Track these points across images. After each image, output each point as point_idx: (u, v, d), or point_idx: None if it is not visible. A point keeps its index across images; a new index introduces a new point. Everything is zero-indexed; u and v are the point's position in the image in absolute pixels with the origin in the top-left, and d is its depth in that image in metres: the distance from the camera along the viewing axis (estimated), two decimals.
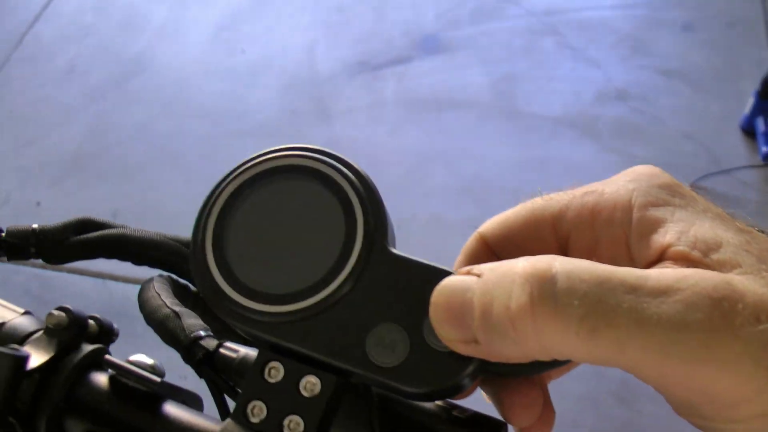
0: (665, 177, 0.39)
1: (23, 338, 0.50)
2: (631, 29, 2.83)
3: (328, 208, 0.42)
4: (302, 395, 0.40)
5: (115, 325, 0.53)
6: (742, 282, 0.32)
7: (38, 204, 2.38)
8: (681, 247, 0.35)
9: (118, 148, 2.54)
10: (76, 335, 0.49)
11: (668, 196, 0.38)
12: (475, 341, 0.35)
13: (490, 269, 0.36)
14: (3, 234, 0.58)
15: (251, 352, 0.49)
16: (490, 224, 0.43)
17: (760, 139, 2.40)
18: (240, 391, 0.47)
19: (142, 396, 0.47)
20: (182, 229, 2.07)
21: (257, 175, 0.44)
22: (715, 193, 2.29)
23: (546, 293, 0.33)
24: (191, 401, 0.49)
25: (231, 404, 0.48)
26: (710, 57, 2.71)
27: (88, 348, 0.49)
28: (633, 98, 2.60)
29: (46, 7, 3.03)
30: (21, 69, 2.83)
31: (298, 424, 0.39)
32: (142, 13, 3.01)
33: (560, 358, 0.34)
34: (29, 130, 2.61)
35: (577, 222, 0.40)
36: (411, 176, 2.39)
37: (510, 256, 0.41)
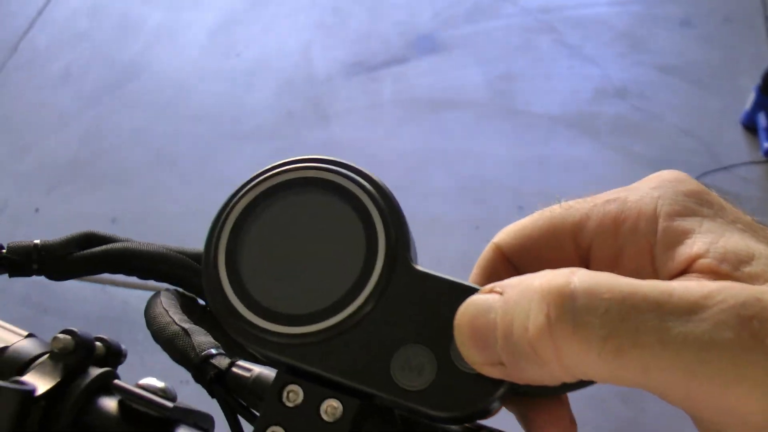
0: (692, 183, 0.37)
1: (27, 363, 0.48)
2: (628, 26, 2.82)
3: (346, 222, 0.40)
4: (323, 420, 0.38)
5: (123, 346, 0.51)
6: None
7: (36, 210, 2.36)
8: (709, 260, 0.33)
9: (115, 153, 2.53)
10: (83, 359, 0.47)
11: (695, 204, 0.36)
12: (501, 364, 0.34)
13: (511, 286, 0.34)
14: (4, 250, 0.56)
15: (265, 371, 0.47)
16: (506, 234, 0.41)
17: (762, 134, 2.39)
18: (254, 411, 0.46)
19: (153, 421, 0.45)
20: (181, 233, 2.05)
21: (271, 188, 0.41)
22: (716, 190, 2.28)
23: (564, 312, 0.31)
24: (203, 422, 0.47)
25: (244, 424, 0.46)
26: (709, 53, 2.70)
27: (95, 372, 0.47)
28: (631, 95, 2.59)
29: (40, 13, 3.02)
30: (17, 75, 2.81)
31: None
32: (137, 17, 3.00)
33: (584, 378, 0.33)
34: (26, 137, 2.60)
35: (599, 231, 0.38)
36: (409, 177, 2.38)
37: (529, 267, 0.40)
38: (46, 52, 2.89)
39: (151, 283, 0.58)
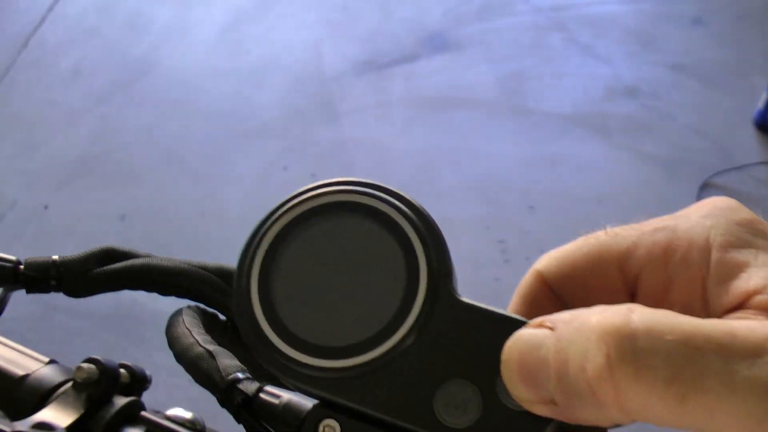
0: (744, 212, 0.36)
1: (49, 391, 0.47)
2: (639, 24, 2.81)
3: (386, 249, 0.38)
4: None
5: (148, 372, 0.50)
6: None
7: (46, 207, 2.36)
8: (767, 297, 0.32)
9: (124, 151, 2.52)
10: (108, 388, 0.46)
11: (750, 235, 0.35)
12: (553, 402, 0.32)
13: (564, 322, 0.33)
14: (21, 266, 0.55)
15: (295, 398, 0.45)
16: (548, 261, 0.40)
17: None
18: None
19: None
20: (190, 230, 2.05)
21: (307, 212, 0.40)
22: (728, 191, 2.27)
23: (625, 353, 0.30)
24: None
25: None
26: (721, 51, 2.69)
27: (120, 402, 0.46)
28: (643, 94, 2.58)
29: (50, 9, 3.01)
30: (26, 72, 2.81)
31: None
32: (147, 14, 2.99)
33: (643, 422, 0.32)
34: (35, 134, 2.59)
35: (648, 261, 0.36)
36: (419, 176, 2.37)
37: (573, 296, 0.39)
38: (56, 49, 2.88)
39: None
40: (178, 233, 2.25)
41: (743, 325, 0.30)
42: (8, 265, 0.55)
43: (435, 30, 2.85)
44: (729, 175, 2.33)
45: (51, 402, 0.44)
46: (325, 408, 0.37)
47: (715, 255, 0.34)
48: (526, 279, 0.40)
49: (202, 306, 0.56)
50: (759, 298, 0.32)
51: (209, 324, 0.54)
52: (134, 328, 2.00)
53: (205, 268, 0.56)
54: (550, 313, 0.34)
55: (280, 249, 0.39)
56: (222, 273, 0.56)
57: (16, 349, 0.51)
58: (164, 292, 0.56)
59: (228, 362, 0.47)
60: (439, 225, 0.39)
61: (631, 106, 2.55)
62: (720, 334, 0.30)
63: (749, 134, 2.45)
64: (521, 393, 0.34)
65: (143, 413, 0.45)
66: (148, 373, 0.50)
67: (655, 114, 2.52)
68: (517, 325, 0.35)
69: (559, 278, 0.39)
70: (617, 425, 0.35)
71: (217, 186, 2.37)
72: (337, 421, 0.37)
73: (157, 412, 0.46)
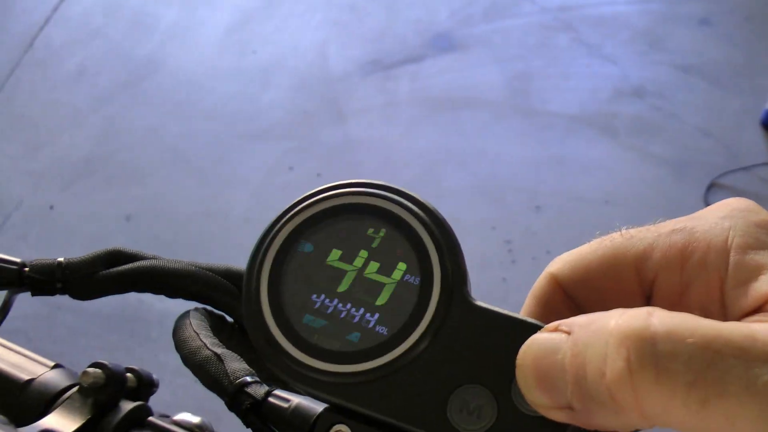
0: (763, 214, 0.35)
1: (55, 396, 0.46)
2: (647, 24, 2.80)
3: (399, 252, 0.38)
4: None
5: (155, 376, 0.49)
6: None
7: (51, 208, 2.36)
8: None
9: (130, 151, 2.52)
10: (114, 393, 0.45)
11: None
12: (570, 408, 0.32)
13: (580, 326, 0.32)
14: (26, 269, 0.54)
15: (304, 402, 0.45)
16: (562, 264, 0.39)
17: None
18: None
19: None
20: (195, 231, 2.04)
21: (317, 214, 0.39)
22: (735, 191, 2.26)
23: (646, 357, 0.29)
24: None
25: None
26: (728, 52, 2.68)
27: (127, 406, 0.45)
28: (650, 95, 2.57)
29: (55, 10, 3.01)
30: (31, 73, 2.80)
31: None
32: (152, 14, 2.98)
33: (662, 427, 0.31)
34: (40, 134, 2.59)
35: (665, 263, 0.36)
36: (426, 177, 2.36)
37: (588, 300, 0.38)
38: (61, 49, 2.87)
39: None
40: (183, 233, 2.24)
41: (764, 329, 0.30)
42: (13, 267, 0.54)
43: (441, 30, 2.84)
44: (736, 176, 2.32)
45: (56, 407, 0.43)
46: (336, 413, 0.37)
47: (733, 257, 0.34)
48: (540, 282, 0.39)
49: (209, 308, 0.55)
50: None
51: (217, 326, 0.53)
52: (140, 328, 1.99)
53: (212, 270, 0.55)
54: (564, 317, 0.34)
55: (291, 251, 0.38)
56: (230, 275, 0.56)
57: (21, 353, 0.50)
58: (172, 295, 0.55)
59: (236, 366, 0.46)
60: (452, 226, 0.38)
61: (638, 106, 2.55)
62: (740, 337, 0.29)
63: (756, 134, 2.44)
64: (537, 398, 0.33)
65: (150, 418, 0.44)
66: (155, 377, 0.49)
67: (662, 114, 2.52)
68: (533, 329, 0.35)
69: (573, 281, 0.38)
70: (636, 430, 0.34)
71: (223, 186, 2.36)
72: (348, 426, 0.36)
73: (164, 417, 0.45)
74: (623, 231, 0.38)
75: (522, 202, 2.30)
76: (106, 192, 2.40)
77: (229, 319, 0.56)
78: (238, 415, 0.45)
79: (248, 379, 0.45)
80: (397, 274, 0.37)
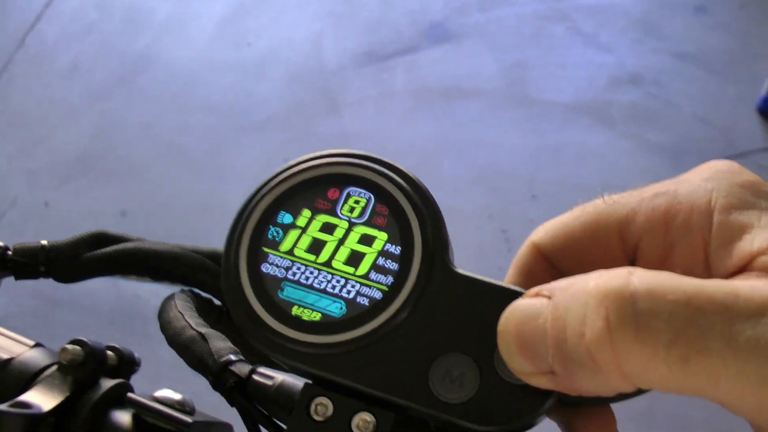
0: (746, 174, 0.35)
1: (34, 375, 0.45)
2: (642, 12, 2.79)
3: (379, 221, 0.37)
4: None
5: (137, 354, 0.48)
6: None
7: (46, 205, 2.35)
8: None
9: (125, 146, 2.51)
10: (94, 370, 0.44)
11: (752, 197, 0.33)
12: (552, 373, 0.31)
13: (561, 289, 0.31)
14: (9, 252, 0.53)
15: (289, 379, 0.44)
16: (544, 232, 0.39)
17: None
18: (277, 421, 0.43)
19: None
20: (192, 226, 2.04)
21: (296, 186, 0.39)
22: None
23: (625, 316, 0.28)
24: None
25: None
26: (724, 39, 2.67)
27: (107, 384, 0.44)
28: (646, 83, 2.56)
29: (47, 5, 3.00)
30: (24, 69, 2.79)
31: None
32: (145, 8, 2.97)
33: (644, 388, 0.30)
34: (34, 131, 2.58)
35: (648, 227, 0.35)
36: (422, 167, 2.35)
37: (570, 267, 0.37)
38: (54, 45, 2.86)
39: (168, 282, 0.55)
40: (180, 228, 2.24)
41: (746, 285, 0.29)
42: None
43: (436, 20, 2.83)
44: None
45: (36, 385, 0.43)
46: (317, 386, 0.36)
47: (717, 217, 0.33)
48: (522, 251, 0.39)
49: (196, 290, 0.54)
50: (763, 259, 0.31)
51: (203, 309, 0.53)
52: (137, 323, 1.99)
53: (198, 252, 0.55)
54: None
55: (270, 223, 0.38)
56: (216, 257, 0.55)
57: (1, 333, 0.49)
58: (157, 278, 0.54)
59: (221, 344, 0.45)
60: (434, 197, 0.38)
61: (634, 94, 2.54)
62: (723, 294, 0.29)
63: (753, 121, 2.43)
64: (519, 365, 0.32)
65: (130, 395, 0.43)
66: (136, 355, 0.48)
67: (658, 102, 2.51)
68: (514, 295, 0.34)
69: (556, 249, 0.38)
70: (621, 396, 0.34)
71: (219, 180, 2.36)
72: (330, 399, 0.36)
73: (145, 395, 0.44)
74: (605, 197, 0.37)
75: (518, 191, 2.30)
76: (101, 188, 2.40)
77: (217, 302, 0.56)
78: (222, 394, 0.44)
79: (232, 357, 0.45)
80: (377, 244, 0.37)
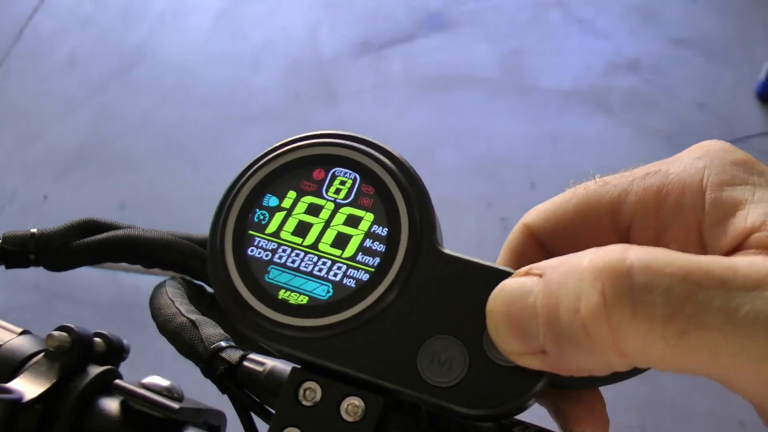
0: (739, 153, 0.34)
1: (22, 362, 0.45)
2: None
3: (365, 202, 0.37)
4: (344, 420, 0.34)
5: (125, 341, 0.48)
6: None
7: (45, 198, 2.35)
8: (766, 234, 0.30)
9: (123, 139, 2.50)
10: (81, 357, 0.44)
11: (745, 174, 0.33)
12: (543, 352, 0.30)
13: (553, 267, 0.31)
14: None
15: (279, 365, 0.43)
16: (536, 214, 0.38)
17: None
18: (268, 407, 0.43)
19: (157, 423, 0.42)
20: (190, 218, 2.03)
21: (281, 167, 0.38)
22: None
23: (622, 291, 0.28)
24: (214, 419, 0.44)
25: (258, 422, 0.43)
26: (722, 24, 2.66)
27: (95, 371, 0.44)
28: (644, 69, 2.55)
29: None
30: (21, 63, 2.79)
31: None
32: (141, 1, 2.96)
33: (641, 365, 0.30)
34: (32, 125, 2.58)
35: (640, 208, 0.35)
36: (420, 157, 2.34)
37: (562, 250, 0.37)
38: (51, 38, 2.86)
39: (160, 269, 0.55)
40: (178, 220, 2.23)
41: (745, 260, 0.29)
42: None
43: (432, 9, 2.82)
44: None
45: (23, 372, 0.42)
46: (305, 370, 0.36)
47: (709, 195, 0.33)
48: (514, 233, 0.39)
49: (187, 278, 0.54)
50: (758, 236, 0.30)
51: (195, 296, 0.52)
52: (137, 315, 1.98)
53: (190, 239, 0.54)
54: None
55: (256, 206, 0.37)
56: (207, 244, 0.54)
57: None
58: (148, 264, 0.54)
59: (211, 331, 0.45)
60: (423, 179, 0.37)
61: (632, 80, 2.53)
62: (721, 269, 0.28)
63: (751, 106, 2.43)
64: (509, 345, 0.32)
65: (117, 382, 0.43)
66: (125, 342, 0.48)
67: (656, 88, 2.50)
68: (503, 275, 0.34)
69: (547, 231, 0.37)
70: (614, 377, 0.33)
71: (217, 171, 2.35)
72: (318, 383, 0.35)
73: (133, 382, 0.44)
74: (597, 178, 0.37)
75: (517, 179, 2.29)
76: (100, 181, 2.39)
77: (209, 289, 0.55)
78: (212, 380, 0.44)
79: (223, 344, 0.44)
80: (364, 225, 0.36)
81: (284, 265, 0.36)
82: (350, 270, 0.36)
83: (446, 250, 0.36)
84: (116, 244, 0.52)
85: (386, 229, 0.36)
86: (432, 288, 0.35)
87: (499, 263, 0.38)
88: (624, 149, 2.34)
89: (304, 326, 0.35)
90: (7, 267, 0.53)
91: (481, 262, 0.35)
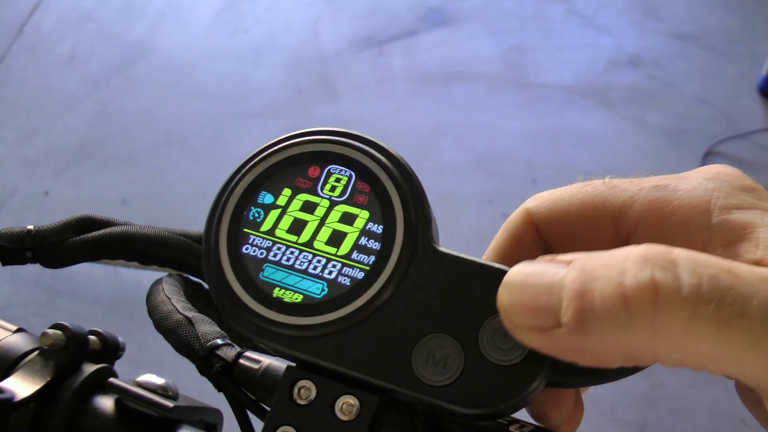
0: (747, 180, 0.34)
1: (16, 360, 0.44)
2: None
3: (360, 199, 0.36)
4: (339, 419, 0.34)
5: (121, 339, 0.48)
6: None
7: (46, 193, 2.35)
8: None
9: (124, 134, 2.50)
10: (75, 355, 0.43)
11: (754, 199, 0.33)
12: (558, 326, 0.29)
13: (587, 255, 0.30)
14: None
15: (275, 363, 0.43)
16: (540, 201, 0.38)
17: None
18: (264, 405, 0.43)
19: (152, 422, 0.42)
20: (191, 213, 2.03)
21: (276, 165, 0.38)
22: (732, 158, 2.25)
23: (671, 274, 0.28)
24: (210, 417, 0.44)
25: (254, 420, 0.43)
26: (724, 19, 2.66)
27: (89, 369, 0.44)
28: (646, 64, 2.55)
29: None
30: (22, 59, 2.79)
31: None
32: None
33: (670, 354, 0.29)
34: (33, 120, 2.57)
35: (644, 219, 0.35)
36: (421, 152, 2.35)
37: (560, 243, 0.37)
38: (52, 34, 2.86)
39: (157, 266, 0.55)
40: (179, 215, 2.23)
41: None
42: None
43: (433, 4, 2.82)
44: (733, 143, 2.31)
45: (16, 371, 0.42)
46: (300, 369, 0.35)
47: (717, 217, 0.33)
48: (515, 216, 0.38)
49: (185, 275, 0.54)
50: None
51: (192, 293, 0.52)
52: (139, 311, 1.98)
53: (187, 236, 0.54)
54: (531, 256, 0.33)
55: (251, 204, 0.37)
56: None
57: None
58: (145, 261, 0.54)
59: (207, 329, 0.45)
60: (418, 175, 0.37)
61: (634, 76, 2.53)
62: (761, 272, 0.29)
63: (753, 101, 2.42)
64: (519, 318, 0.31)
65: (111, 380, 0.43)
66: (121, 340, 0.48)
67: (658, 83, 2.50)
68: (499, 274, 0.33)
69: (548, 220, 0.37)
70: (614, 373, 0.33)
71: (218, 167, 2.35)
72: (313, 382, 0.35)
73: (128, 380, 0.44)
74: (606, 179, 0.37)
75: (518, 175, 2.29)
76: (101, 176, 2.39)
77: (206, 286, 0.55)
78: (209, 378, 0.44)
79: (219, 341, 0.44)
80: (359, 223, 0.36)
81: (279, 263, 0.36)
82: (345, 268, 0.35)
83: (442, 248, 0.36)
84: (113, 241, 0.52)
85: (381, 226, 0.36)
86: (427, 286, 0.35)
87: (494, 243, 0.38)
88: (625, 144, 2.34)
89: (298, 324, 0.35)
90: (4, 264, 0.53)
91: (478, 260, 0.35)
